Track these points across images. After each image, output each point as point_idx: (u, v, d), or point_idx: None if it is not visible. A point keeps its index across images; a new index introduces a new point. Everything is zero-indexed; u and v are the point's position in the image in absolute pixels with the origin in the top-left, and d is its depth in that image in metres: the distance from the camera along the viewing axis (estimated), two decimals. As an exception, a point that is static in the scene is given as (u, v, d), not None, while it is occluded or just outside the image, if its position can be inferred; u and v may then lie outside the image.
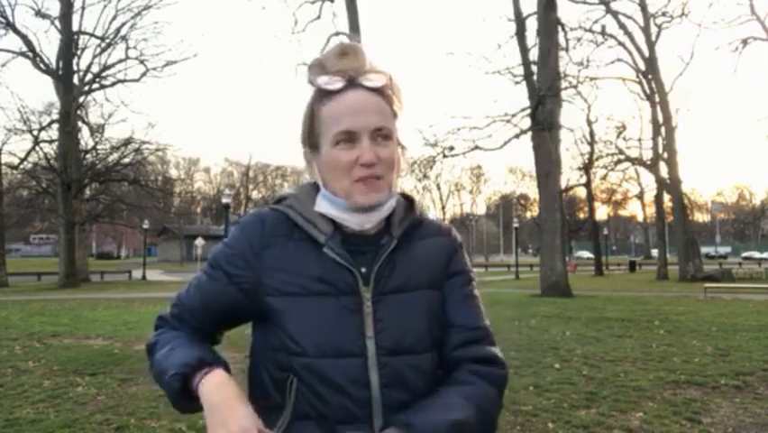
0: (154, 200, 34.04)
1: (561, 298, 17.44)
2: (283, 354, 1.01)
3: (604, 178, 38.39)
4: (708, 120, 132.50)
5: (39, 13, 26.63)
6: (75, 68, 27.69)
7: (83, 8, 27.45)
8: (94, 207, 30.82)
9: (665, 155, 29.63)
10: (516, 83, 21.85)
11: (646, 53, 29.23)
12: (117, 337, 9.55)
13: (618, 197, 51.85)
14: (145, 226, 36.57)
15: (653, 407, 5.15)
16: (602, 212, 57.42)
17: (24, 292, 22.19)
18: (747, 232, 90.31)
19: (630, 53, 29.74)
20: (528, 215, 78.10)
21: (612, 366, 6.93)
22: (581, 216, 51.45)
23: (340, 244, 1.03)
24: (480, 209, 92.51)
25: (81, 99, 28.01)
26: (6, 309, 14.34)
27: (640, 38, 29.22)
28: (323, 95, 1.04)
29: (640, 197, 49.40)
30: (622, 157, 33.49)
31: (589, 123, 34.52)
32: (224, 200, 23.26)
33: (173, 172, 71.56)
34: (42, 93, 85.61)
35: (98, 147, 29.69)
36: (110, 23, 27.86)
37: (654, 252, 46.94)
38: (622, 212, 74.60)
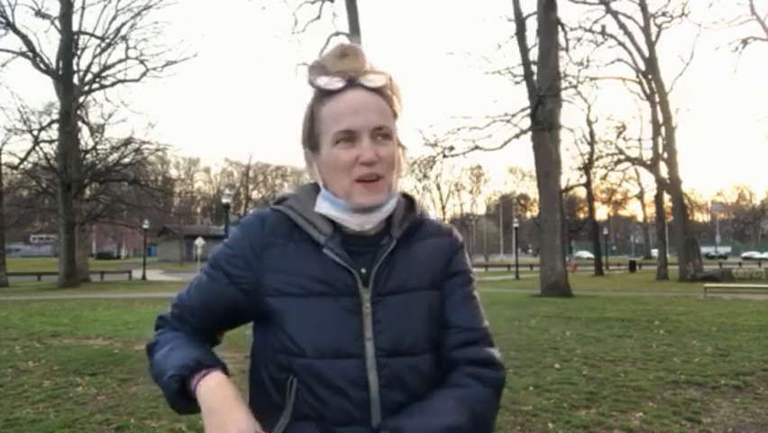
0: (154, 200, 34.04)
1: (561, 298, 17.44)
2: (283, 355, 1.01)
3: (604, 178, 38.42)
4: (708, 120, 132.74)
5: (39, 13, 26.65)
6: (75, 68, 27.72)
7: (83, 8, 27.50)
8: (94, 207, 30.82)
9: (665, 155, 29.64)
10: (516, 83, 21.86)
11: (646, 53, 29.23)
12: (117, 337, 9.55)
13: (618, 197, 51.90)
14: (145, 226, 36.57)
15: (653, 407, 5.15)
16: (602, 212, 57.50)
17: (24, 292, 22.20)
18: (747, 232, 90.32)
19: (630, 53, 29.79)
20: (528, 215, 78.10)
21: (612, 366, 6.93)
22: (581, 216, 51.44)
23: (340, 244, 1.03)
24: (480, 209, 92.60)
25: (81, 99, 28.03)
26: (6, 309, 14.35)
27: (640, 38, 29.26)
28: (323, 95, 1.05)
29: (640, 197, 49.46)
30: (622, 157, 33.51)
31: (589, 123, 34.56)
32: (224, 200, 23.28)
33: (173, 172, 71.65)
34: (42, 93, 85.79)
35: (98, 147, 29.75)
36: (110, 23, 27.92)
37: (654, 252, 46.94)
38: (622, 212, 74.65)
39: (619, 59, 30.07)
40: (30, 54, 26.41)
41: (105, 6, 27.71)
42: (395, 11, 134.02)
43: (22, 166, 27.92)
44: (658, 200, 35.33)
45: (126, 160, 29.37)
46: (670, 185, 29.37)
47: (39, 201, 30.74)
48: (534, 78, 20.55)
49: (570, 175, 34.92)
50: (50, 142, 28.14)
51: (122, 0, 31.95)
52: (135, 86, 32.54)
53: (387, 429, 0.94)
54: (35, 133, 27.26)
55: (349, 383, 0.98)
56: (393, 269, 1.04)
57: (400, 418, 0.96)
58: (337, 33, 21.79)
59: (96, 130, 29.48)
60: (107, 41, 27.93)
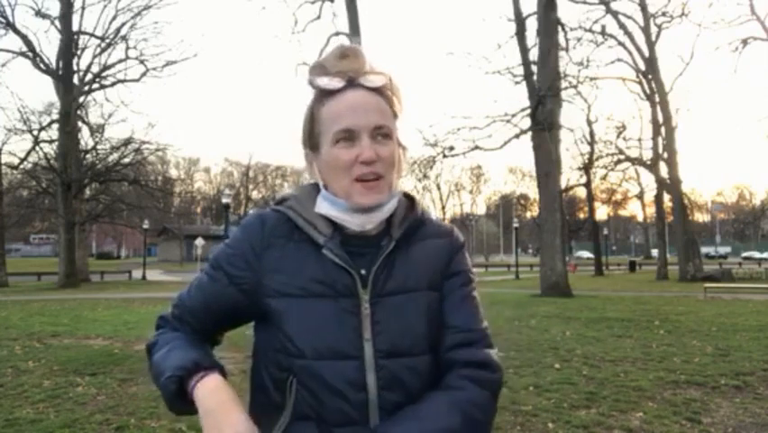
0: (154, 200, 34.04)
1: (561, 298, 17.44)
2: (282, 355, 1.01)
3: (604, 178, 38.44)
4: (708, 120, 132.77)
5: (39, 13, 26.65)
6: (75, 68, 27.72)
7: (83, 8, 27.50)
8: (94, 207, 30.83)
9: (665, 155, 29.64)
10: (516, 83, 21.87)
11: (646, 53, 29.24)
12: (117, 337, 9.55)
13: (618, 197, 51.91)
14: (145, 226, 36.58)
15: (653, 407, 5.15)
16: (602, 212, 57.51)
17: (24, 292, 22.20)
18: (747, 232, 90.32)
19: (630, 53, 29.80)
20: (528, 215, 78.13)
21: (612, 366, 6.93)
22: (581, 216, 51.46)
23: (339, 245, 1.03)
24: (480, 209, 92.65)
25: (81, 99, 28.03)
26: (6, 309, 14.34)
27: (640, 38, 29.28)
28: (323, 95, 1.05)
29: (640, 197, 49.47)
30: (622, 157, 33.51)
31: (589, 123, 34.58)
32: (224, 200, 23.31)
33: (173, 172, 71.67)
34: (42, 93, 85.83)
35: (98, 147, 29.76)
36: (110, 23, 27.93)
37: (654, 252, 46.94)
38: (622, 212, 74.66)
39: (619, 59, 30.14)
40: (30, 54, 26.42)
41: (105, 6, 27.76)
42: (395, 11, 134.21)
43: (22, 166, 27.93)
44: (658, 200, 35.33)
45: (126, 160, 29.39)
46: (670, 185, 29.37)
47: (39, 201, 30.75)
48: (534, 78, 20.55)
49: (570, 175, 35.00)
50: (50, 142, 28.17)
51: (122, 0, 32.01)
52: (135, 86, 32.63)
53: None
54: (35, 133, 27.31)
55: (347, 385, 0.98)
56: (392, 270, 1.04)
57: (390, 423, 0.96)
58: (337, 33, 21.79)
59: (96, 130, 29.52)
60: (107, 41, 27.96)
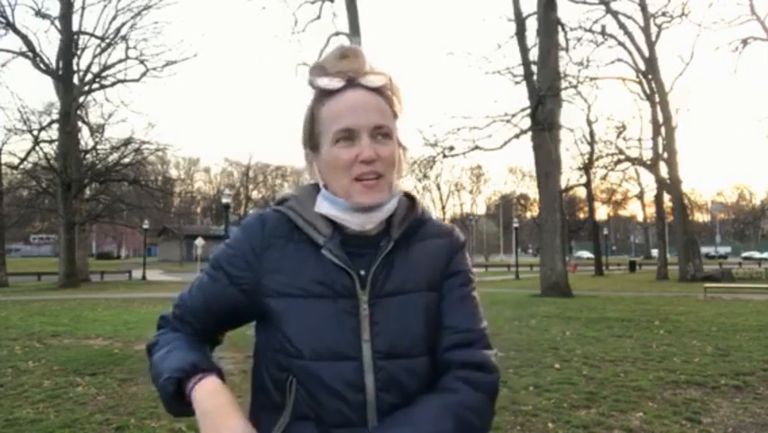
0: (154, 200, 34.05)
1: (561, 298, 17.44)
2: (282, 356, 1.01)
3: (604, 178, 38.45)
4: (708, 120, 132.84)
5: (39, 13, 26.65)
6: (75, 68, 27.72)
7: (83, 8, 27.50)
8: (94, 207, 30.83)
9: (665, 155, 29.65)
10: (516, 83, 21.87)
11: (646, 53, 29.25)
12: (117, 337, 9.55)
13: (618, 197, 51.93)
14: (145, 226, 36.58)
15: (653, 407, 5.15)
16: (602, 212, 57.52)
17: (24, 292, 22.20)
18: (747, 232, 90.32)
19: (630, 53, 29.81)
20: (528, 215, 78.13)
21: (612, 366, 6.93)
22: (581, 216, 51.46)
23: (339, 245, 1.03)
24: (480, 209, 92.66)
25: (81, 99, 28.03)
26: (6, 309, 14.35)
27: (640, 38, 29.28)
28: (323, 95, 1.05)
29: (640, 197, 49.48)
30: (622, 157, 33.52)
31: (589, 123, 34.58)
32: (224, 200, 23.33)
33: (173, 172, 71.70)
34: (42, 93, 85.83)
35: (98, 147, 29.76)
36: (110, 23, 27.93)
37: (654, 252, 46.95)
38: (622, 212, 74.67)
39: (619, 59, 30.16)
40: (30, 54, 26.42)
41: (105, 6, 27.76)
42: (395, 11, 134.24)
43: (22, 166, 27.94)
44: (658, 200, 35.34)
45: (126, 160, 29.39)
46: (670, 185, 29.38)
47: (39, 201, 30.76)
48: (534, 78, 20.55)
49: (570, 175, 35.00)
50: (50, 142, 28.17)
51: (122, 0, 32.01)
52: (135, 86, 32.59)
53: None
54: (35, 133, 27.31)
55: (345, 386, 0.97)
56: (391, 270, 1.04)
57: (381, 428, 0.96)
58: (337, 33, 21.79)
59: (96, 130, 29.52)
60: (107, 41, 27.96)
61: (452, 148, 21.34)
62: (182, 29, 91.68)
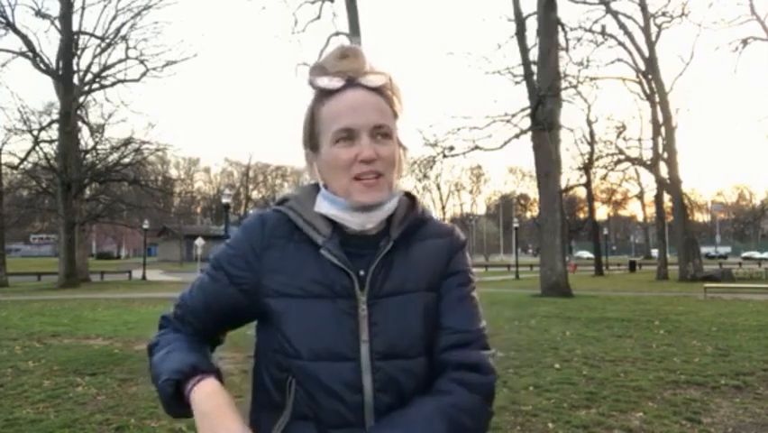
0: (154, 200, 34.06)
1: (561, 298, 17.44)
2: (281, 356, 1.01)
3: (604, 178, 38.44)
4: (708, 120, 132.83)
5: (39, 13, 26.65)
6: (75, 68, 27.72)
7: (83, 8, 27.51)
8: (94, 207, 30.84)
9: (665, 155, 29.65)
10: (516, 83, 21.87)
11: (646, 53, 29.24)
12: (117, 337, 9.55)
13: (618, 197, 51.91)
14: (145, 226, 36.57)
15: (653, 407, 5.15)
16: (602, 212, 57.51)
17: (24, 292, 22.20)
18: (747, 232, 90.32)
19: (630, 53, 29.81)
20: (528, 215, 78.15)
21: (612, 366, 6.93)
22: (581, 216, 51.47)
23: (338, 246, 1.03)
24: (480, 209, 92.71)
25: (81, 99, 28.03)
26: (6, 309, 14.35)
27: (640, 38, 29.28)
28: (323, 95, 1.05)
29: (640, 197, 49.47)
30: (622, 157, 33.52)
31: (589, 123, 34.58)
32: (224, 200, 23.33)
33: (173, 172, 71.70)
34: (42, 93, 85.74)
35: (98, 147, 29.76)
36: (110, 23, 27.94)
37: (654, 252, 46.94)
38: (622, 212, 74.66)
39: (619, 59, 30.16)
40: (30, 54, 26.42)
41: (105, 6, 27.77)
42: (395, 11, 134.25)
43: (22, 166, 27.94)
44: (658, 200, 35.33)
45: (126, 160, 29.39)
46: (670, 185, 29.38)
47: (39, 201, 30.75)
48: (534, 78, 20.55)
49: (570, 175, 35.00)
50: (50, 142, 28.17)
51: (122, 0, 32.01)
52: (135, 86, 32.65)
53: None
54: (35, 133, 27.31)
55: (343, 387, 0.97)
56: (390, 270, 1.03)
57: (372, 430, 0.96)
58: (337, 33, 21.79)
59: (96, 130, 29.52)
60: (107, 41, 27.96)
61: (452, 148, 21.35)
62: (182, 29, 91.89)
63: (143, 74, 28.34)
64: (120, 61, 28.40)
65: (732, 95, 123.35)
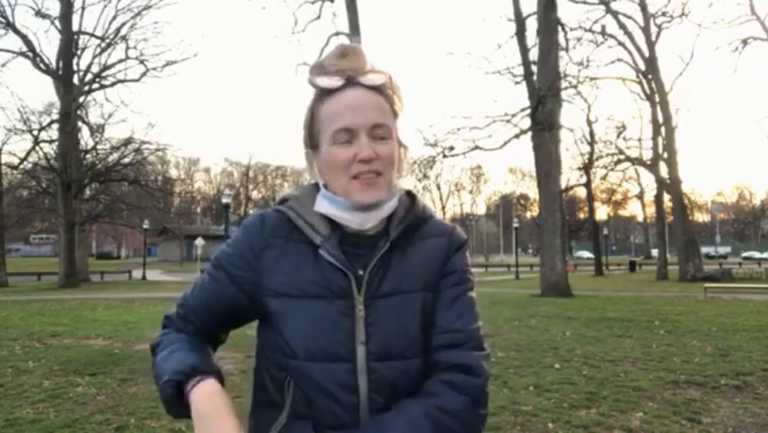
0: (154, 200, 34.05)
1: (561, 298, 17.44)
2: (280, 355, 1.01)
3: (604, 178, 38.43)
4: (708, 120, 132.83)
5: (39, 13, 26.65)
6: (75, 68, 27.73)
7: (83, 8, 27.52)
8: (94, 207, 30.84)
9: (665, 155, 29.65)
10: (516, 83, 21.87)
11: (646, 53, 29.25)
12: (117, 337, 9.55)
13: (618, 197, 51.92)
14: (145, 226, 36.58)
15: (653, 407, 5.15)
16: (602, 212, 57.54)
17: (24, 292, 22.20)
18: (747, 232, 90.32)
19: (630, 53, 29.83)
20: (528, 215, 78.19)
21: (612, 366, 6.93)
22: (581, 216, 51.50)
23: (336, 245, 1.02)
24: (480, 209, 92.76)
25: (81, 99, 28.04)
26: (6, 309, 14.35)
27: (640, 38, 29.30)
28: (323, 94, 1.04)
29: (640, 197, 49.48)
30: (622, 157, 33.52)
31: (589, 123, 34.60)
32: (224, 200, 23.33)
33: (173, 172, 71.74)
34: (42, 93, 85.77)
35: (98, 147, 29.77)
36: (110, 23, 27.95)
37: (654, 252, 46.94)
38: (622, 212, 74.68)
39: (619, 59, 30.18)
40: (30, 54, 26.42)
41: (105, 6, 27.79)
42: (395, 11, 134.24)
43: (22, 166, 27.94)
44: (658, 200, 35.34)
45: (126, 160, 29.40)
46: (670, 185, 29.38)
47: (39, 201, 30.76)
48: (534, 78, 20.55)
49: (570, 175, 35.00)
50: (50, 142, 28.18)
51: (122, 0, 32.02)
52: (135, 86, 32.76)
53: None
54: (35, 133, 27.32)
55: (339, 387, 0.97)
56: (388, 270, 1.03)
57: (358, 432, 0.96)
58: (337, 33, 21.79)
59: (96, 130, 29.53)
60: (107, 41, 27.97)
61: (452, 148, 21.34)
62: (182, 29, 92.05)
63: (143, 74, 28.38)
64: (120, 61, 28.46)
65: (732, 95, 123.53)
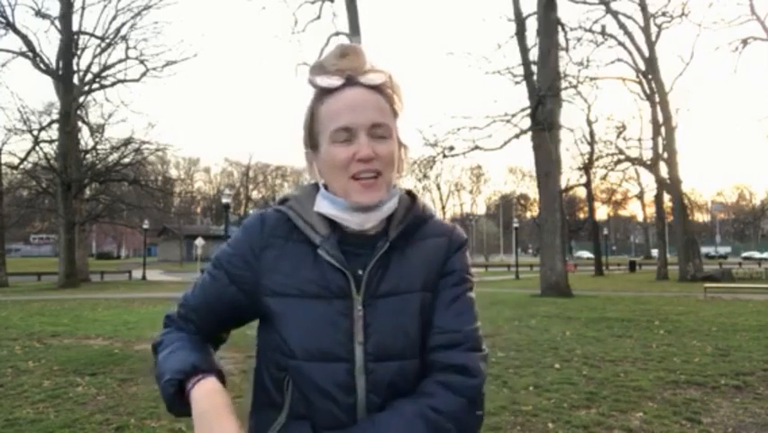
0: (154, 200, 34.05)
1: (561, 298, 17.44)
2: (279, 355, 1.01)
3: (604, 178, 38.42)
4: (708, 120, 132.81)
5: (39, 13, 26.65)
6: (75, 68, 27.73)
7: (83, 8, 27.51)
8: (94, 207, 30.84)
9: (665, 155, 29.65)
10: (516, 83, 21.87)
11: (646, 53, 29.25)
12: (117, 337, 9.54)
13: (618, 197, 51.91)
14: (145, 226, 36.59)
15: (653, 407, 5.15)
16: (602, 212, 57.53)
17: (24, 292, 22.20)
18: (747, 232, 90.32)
19: (630, 53, 29.83)
20: (528, 215, 78.19)
21: (612, 366, 6.93)
22: (581, 216, 51.48)
23: (335, 245, 1.02)
24: (480, 209, 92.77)
25: (81, 99, 28.04)
26: (6, 309, 14.35)
27: (640, 38, 29.30)
28: (322, 94, 1.04)
29: (640, 197, 49.47)
30: (622, 157, 33.52)
31: (589, 123, 34.60)
32: (224, 200, 23.34)
33: (173, 172, 71.74)
34: (42, 93, 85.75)
35: (98, 147, 29.76)
36: (110, 23, 27.95)
37: (654, 252, 46.95)
38: (622, 212, 74.68)
39: (619, 59, 30.18)
40: (30, 54, 26.42)
41: (105, 6, 27.78)
42: (395, 11, 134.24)
43: (22, 166, 27.94)
44: (658, 200, 35.34)
45: (126, 160, 29.39)
46: (670, 185, 29.38)
47: (39, 201, 30.75)
48: (534, 78, 20.55)
49: (570, 175, 35.00)
50: (50, 142, 28.18)
51: (122, 0, 32.02)
52: (135, 86, 32.76)
53: None
54: (35, 133, 27.31)
55: (336, 388, 0.97)
56: (387, 270, 1.02)
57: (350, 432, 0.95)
58: (337, 33, 21.79)
59: (96, 130, 29.52)
60: (107, 41, 27.97)
61: (452, 148, 21.34)
62: (182, 29, 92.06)
63: (143, 74, 28.38)
64: (120, 61, 28.45)
65: (732, 95, 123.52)
